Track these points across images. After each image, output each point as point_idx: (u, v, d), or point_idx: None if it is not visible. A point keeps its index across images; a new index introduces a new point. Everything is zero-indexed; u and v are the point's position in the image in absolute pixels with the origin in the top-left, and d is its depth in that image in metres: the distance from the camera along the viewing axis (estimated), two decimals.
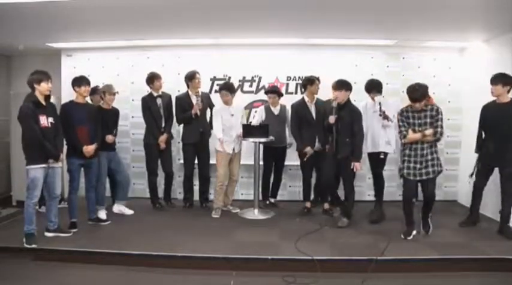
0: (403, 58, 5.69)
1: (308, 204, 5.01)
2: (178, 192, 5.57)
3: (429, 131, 3.80)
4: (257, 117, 5.19)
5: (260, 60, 5.64)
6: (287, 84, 5.65)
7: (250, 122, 5.36)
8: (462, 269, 3.45)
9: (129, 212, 4.91)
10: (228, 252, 3.62)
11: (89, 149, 4.21)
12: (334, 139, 4.31)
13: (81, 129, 4.19)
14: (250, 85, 5.70)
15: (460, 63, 5.63)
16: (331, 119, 4.26)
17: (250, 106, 5.65)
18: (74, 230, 4.21)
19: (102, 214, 4.66)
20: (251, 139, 4.75)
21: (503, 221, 4.15)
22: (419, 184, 4.05)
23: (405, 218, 4.07)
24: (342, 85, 4.27)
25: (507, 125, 4.00)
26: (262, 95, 5.56)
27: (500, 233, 4.10)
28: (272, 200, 5.37)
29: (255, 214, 4.86)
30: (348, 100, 4.33)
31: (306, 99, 4.87)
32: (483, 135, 4.31)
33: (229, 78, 5.54)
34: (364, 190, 5.29)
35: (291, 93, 5.60)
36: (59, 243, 3.86)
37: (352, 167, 4.23)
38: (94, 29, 4.67)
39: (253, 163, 4.91)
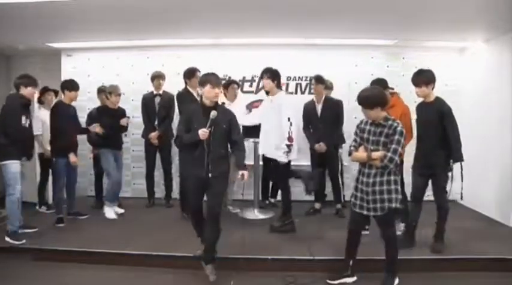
0: (403, 58, 5.69)
1: (317, 205, 5.01)
2: (177, 192, 5.56)
3: (377, 154, 2.91)
4: None
5: (260, 60, 5.62)
6: (287, 84, 5.65)
7: None
8: (462, 269, 3.46)
9: (120, 210, 4.93)
10: (227, 252, 3.62)
11: (73, 159, 4.40)
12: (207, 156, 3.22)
13: (68, 129, 4.37)
14: (250, 85, 5.70)
15: (460, 63, 5.63)
16: (203, 134, 3.10)
17: (250, 106, 5.65)
18: (62, 225, 4.39)
19: (109, 212, 4.72)
20: (251, 139, 4.74)
21: (438, 236, 3.73)
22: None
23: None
24: (220, 82, 3.38)
25: (434, 127, 3.54)
26: (262, 95, 5.54)
27: (433, 249, 3.68)
28: (272, 200, 5.38)
29: (255, 214, 4.87)
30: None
31: None
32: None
33: (229, 77, 5.55)
34: None
35: (291, 93, 5.61)
36: (59, 243, 3.86)
37: (239, 176, 3.30)
38: (94, 29, 4.67)
39: (253, 163, 4.91)
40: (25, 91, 3.99)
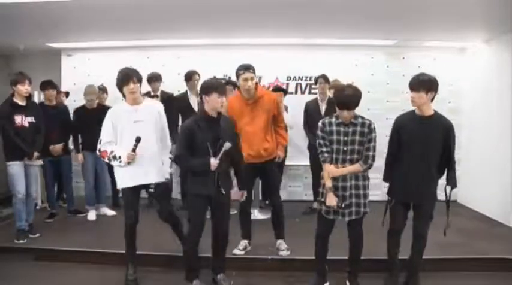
0: (403, 58, 5.69)
1: (315, 205, 4.99)
2: (177, 192, 5.56)
3: (355, 167, 2.86)
4: None
5: (260, 60, 5.62)
6: (287, 84, 5.65)
7: None
8: (462, 269, 3.46)
9: (111, 213, 4.94)
10: (227, 252, 3.61)
11: (56, 148, 4.55)
12: None
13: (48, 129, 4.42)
14: None
15: (460, 63, 5.63)
16: (214, 166, 2.94)
17: None
18: (50, 220, 4.61)
19: (91, 215, 4.77)
20: None
21: (413, 272, 3.18)
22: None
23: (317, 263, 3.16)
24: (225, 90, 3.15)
25: (433, 146, 2.93)
26: None
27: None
28: None
29: (255, 214, 4.85)
30: None
31: None
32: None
33: (229, 78, 5.54)
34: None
35: (291, 93, 5.61)
36: (59, 243, 3.87)
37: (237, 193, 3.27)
38: (94, 29, 4.67)
39: None
40: (15, 89, 3.97)
